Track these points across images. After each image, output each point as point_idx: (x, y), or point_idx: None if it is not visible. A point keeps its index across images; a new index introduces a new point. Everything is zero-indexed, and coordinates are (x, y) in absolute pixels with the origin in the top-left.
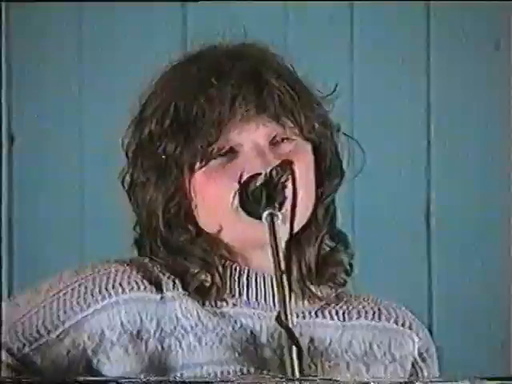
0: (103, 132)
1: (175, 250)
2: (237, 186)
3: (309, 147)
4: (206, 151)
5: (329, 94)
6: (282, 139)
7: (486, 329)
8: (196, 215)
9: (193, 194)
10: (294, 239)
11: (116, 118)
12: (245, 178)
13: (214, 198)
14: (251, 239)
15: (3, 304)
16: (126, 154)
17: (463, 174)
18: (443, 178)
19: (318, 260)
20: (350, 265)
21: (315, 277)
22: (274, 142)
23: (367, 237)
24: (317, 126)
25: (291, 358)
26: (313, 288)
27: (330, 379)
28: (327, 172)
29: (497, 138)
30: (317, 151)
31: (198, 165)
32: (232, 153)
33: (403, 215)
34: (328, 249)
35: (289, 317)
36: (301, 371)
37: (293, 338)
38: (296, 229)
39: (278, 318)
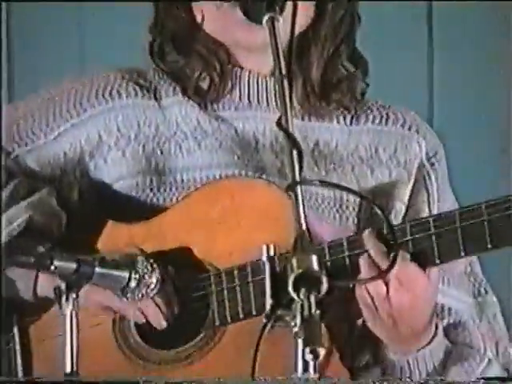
0: None
1: (180, 47)
2: None
3: None
4: None
5: None
6: None
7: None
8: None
9: None
10: (303, 54)
11: None
12: None
13: None
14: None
15: (3, 108)
16: None
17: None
18: None
19: (325, 80)
20: (363, 92)
21: (320, 99)
22: None
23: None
24: None
25: (292, 162)
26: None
27: None
28: None
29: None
30: None
31: None
32: None
33: None
34: (345, 72)
35: (289, 120)
36: (301, 175)
37: (293, 142)
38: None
39: (278, 122)
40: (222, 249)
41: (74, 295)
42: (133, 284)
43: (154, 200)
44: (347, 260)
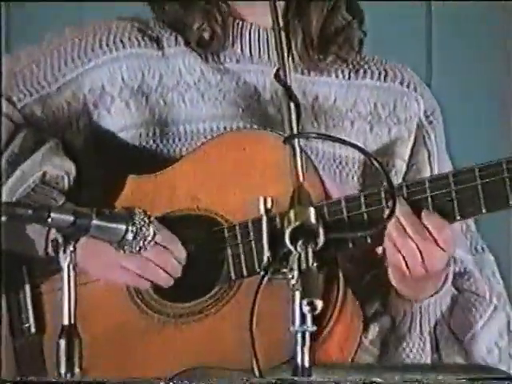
0: None
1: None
2: None
3: None
4: None
5: None
6: None
7: None
8: None
9: None
10: (303, 9)
11: None
12: None
13: None
14: None
15: (3, 58)
16: None
17: None
18: None
19: (323, 33)
20: (361, 42)
21: (319, 52)
22: None
23: None
24: None
25: (289, 114)
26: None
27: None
28: None
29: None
30: None
31: None
32: None
33: None
34: (343, 22)
35: (287, 74)
36: (298, 129)
37: (291, 95)
38: None
39: (276, 75)
40: (235, 202)
41: (72, 248)
42: (130, 236)
43: (158, 151)
44: (365, 216)
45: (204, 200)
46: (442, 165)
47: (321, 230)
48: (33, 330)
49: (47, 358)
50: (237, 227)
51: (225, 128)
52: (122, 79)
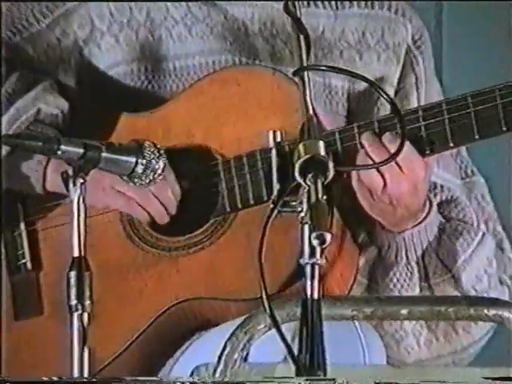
0: None
1: None
2: None
3: None
4: None
5: None
6: None
7: None
8: None
9: None
10: None
11: None
12: None
13: None
14: None
15: None
16: None
17: None
18: None
19: None
20: None
21: None
22: None
23: None
24: None
25: (299, 47)
26: None
27: None
28: None
29: None
30: None
31: None
32: None
33: None
34: None
35: (297, 5)
36: (308, 60)
37: (300, 28)
38: None
39: (285, 7)
40: (229, 137)
41: (82, 180)
42: (139, 169)
43: (150, 88)
44: (340, 148)
45: (199, 136)
46: (430, 89)
47: (330, 163)
48: (29, 266)
49: (43, 295)
50: (231, 161)
51: (213, 62)
52: (111, 14)
